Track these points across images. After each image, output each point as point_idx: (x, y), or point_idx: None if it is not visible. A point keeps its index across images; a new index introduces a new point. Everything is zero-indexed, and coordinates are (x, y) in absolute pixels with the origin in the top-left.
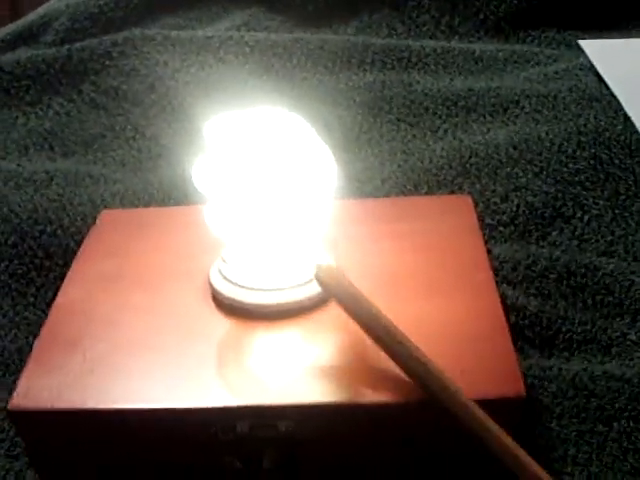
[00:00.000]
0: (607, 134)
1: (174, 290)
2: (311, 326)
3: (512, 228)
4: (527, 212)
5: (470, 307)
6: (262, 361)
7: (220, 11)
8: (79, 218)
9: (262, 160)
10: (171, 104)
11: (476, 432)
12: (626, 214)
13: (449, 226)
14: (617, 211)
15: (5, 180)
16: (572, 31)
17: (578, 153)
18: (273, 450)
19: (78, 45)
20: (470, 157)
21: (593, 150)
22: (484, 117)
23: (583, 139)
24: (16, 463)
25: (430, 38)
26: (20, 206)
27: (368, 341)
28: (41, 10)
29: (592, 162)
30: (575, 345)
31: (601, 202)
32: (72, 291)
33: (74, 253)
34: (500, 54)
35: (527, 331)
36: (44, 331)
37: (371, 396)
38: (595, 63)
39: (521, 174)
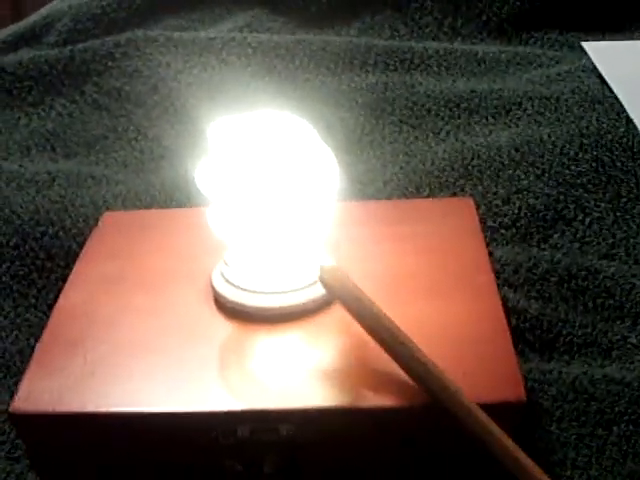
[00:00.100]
0: (609, 136)
1: (176, 292)
2: (313, 329)
3: (514, 230)
4: (529, 214)
5: (471, 310)
6: (264, 364)
7: (223, 12)
8: (81, 219)
9: (265, 163)
10: (174, 105)
11: (477, 435)
12: (627, 217)
13: (451, 228)
14: (619, 214)
15: (7, 181)
16: (575, 33)
17: (580, 155)
18: (274, 454)
19: (81, 46)
20: (472, 159)
21: (595, 153)
22: (486, 119)
23: (585, 141)
24: (17, 465)
25: (432, 40)
26: (22, 207)
27: (370, 344)
28: (43, 11)
29: (594, 165)
30: (575, 348)
31: (603, 205)
32: (74, 293)
33: (76, 255)
34: (503, 56)
35: (528, 334)
36: (46, 333)
37: (373, 400)
38: (598, 65)
39: (523, 176)
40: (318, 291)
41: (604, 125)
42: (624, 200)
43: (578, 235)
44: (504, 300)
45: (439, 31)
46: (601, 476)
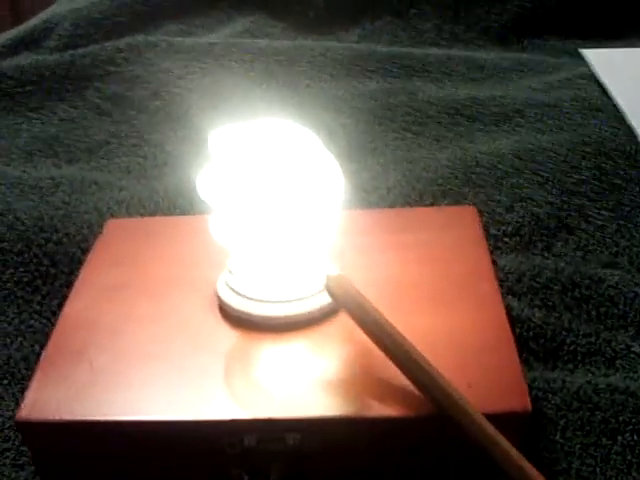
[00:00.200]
0: (610, 144)
1: (180, 300)
2: (318, 338)
3: (517, 239)
4: (532, 223)
5: (475, 319)
6: (269, 373)
7: (223, 18)
8: (85, 226)
9: (268, 171)
10: (175, 111)
11: (482, 444)
12: (630, 225)
13: (454, 237)
14: (621, 222)
15: (10, 187)
16: (574, 40)
17: (582, 164)
18: (280, 463)
19: (81, 51)
20: (474, 167)
21: (597, 161)
22: (488, 126)
23: (587, 149)
24: (22, 473)
25: (433, 46)
26: (25, 213)
27: (375, 353)
28: (44, 15)
29: (596, 173)
30: (579, 357)
31: (605, 213)
32: (79, 301)
33: (79, 261)
34: (503, 62)
35: (531, 343)
36: (51, 341)
37: (378, 409)
38: (597, 72)
39: (526, 184)
40: (323, 300)
41: (605, 133)
42: (627, 208)
43: (581, 243)
44: (507, 309)
45: (439, 37)
46: None
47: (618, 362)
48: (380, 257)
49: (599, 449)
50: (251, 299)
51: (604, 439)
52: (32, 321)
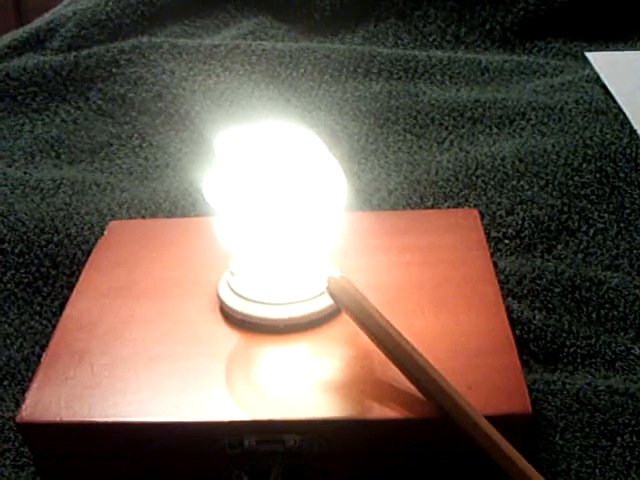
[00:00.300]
0: (613, 147)
1: (182, 302)
2: (319, 340)
3: (518, 241)
4: (533, 225)
5: (476, 321)
6: (270, 375)
7: (227, 20)
8: (86, 227)
9: (272, 174)
10: (178, 113)
11: (483, 445)
12: (631, 228)
13: (456, 240)
14: (622, 225)
15: (12, 188)
16: (578, 42)
17: (584, 166)
18: (280, 464)
19: (85, 52)
20: (476, 169)
21: (599, 163)
22: (490, 128)
23: (589, 152)
24: (22, 474)
25: (436, 48)
26: (27, 214)
27: (376, 355)
28: (48, 16)
29: (598, 175)
30: (579, 359)
31: (606, 216)
32: (80, 303)
33: (81, 262)
34: (506, 65)
35: (532, 345)
36: (52, 343)
37: (379, 411)
38: (601, 75)
39: (527, 187)
40: (324, 302)
41: (608, 136)
42: (628, 211)
43: (582, 246)
44: (508, 311)
45: (443, 40)
46: None
47: (618, 364)
48: (381, 259)
49: (599, 451)
50: (252, 301)
51: (604, 441)
52: (33, 322)
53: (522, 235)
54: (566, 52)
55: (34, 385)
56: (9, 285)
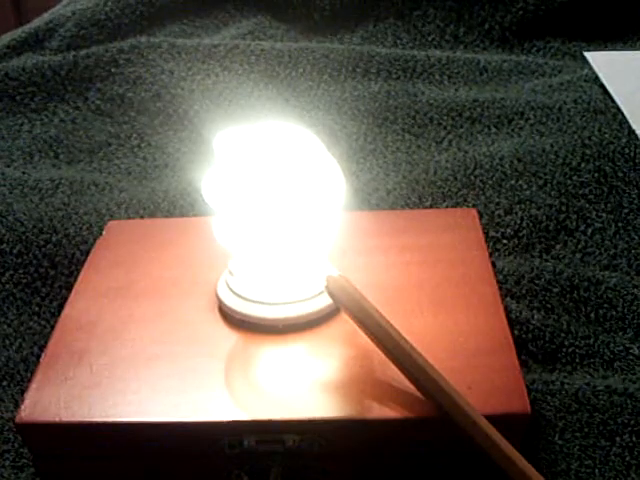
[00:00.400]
0: (611, 147)
1: (181, 302)
2: (318, 340)
3: (516, 241)
4: (531, 225)
5: (475, 321)
6: (269, 375)
7: (226, 19)
8: (84, 227)
9: (271, 174)
10: (177, 112)
11: (483, 445)
12: (629, 227)
13: (454, 239)
14: (620, 224)
15: (10, 188)
16: (577, 42)
17: (582, 166)
18: (280, 464)
19: (84, 52)
20: (474, 169)
21: (597, 163)
22: (489, 128)
23: (587, 152)
24: (21, 474)
25: (435, 48)
26: (25, 214)
27: (376, 355)
28: (47, 16)
29: (596, 175)
30: (578, 359)
31: (605, 215)
32: (79, 303)
33: (79, 262)
34: (505, 65)
35: (530, 345)
36: (51, 343)
37: (379, 411)
38: (600, 75)
39: (525, 187)
40: (323, 302)
41: (606, 135)
42: (626, 211)
43: (580, 246)
44: (506, 311)
45: (441, 39)
46: None
47: (617, 364)
48: (380, 259)
49: (598, 450)
50: (251, 301)
51: (603, 441)
52: (31, 323)
53: (520, 235)
54: (565, 52)
55: (33, 385)
56: (8, 285)
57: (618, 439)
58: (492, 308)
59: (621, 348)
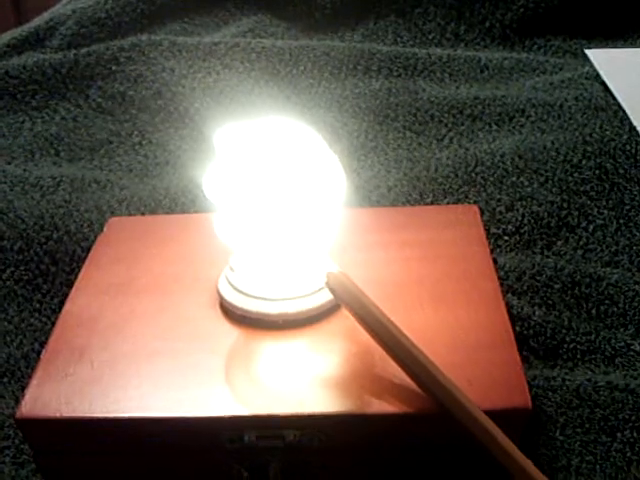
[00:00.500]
0: (612, 144)
1: (182, 298)
2: (318, 336)
3: (517, 237)
4: (532, 221)
5: (476, 316)
6: (269, 370)
7: (226, 17)
8: (85, 224)
9: (272, 170)
10: (177, 110)
11: (482, 440)
12: (631, 224)
13: (456, 236)
14: (622, 221)
15: (11, 185)
16: (578, 40)
17: (583, 163)
18: (280, 459)
19: (85, 50)
20: (476, 166)
21: (598, 160)
22: (490, 125)
23: (589, 149)
24: (22, 471)
25: (436, 46)
26: (26, 212)
27: (376, 350)
28: (47, 15)
29: (597, 172)
30: (579, 355)
31: (606, 212)
32: (80, 299)
33: (80, 259)
34: (506, 62)
35: (531, 341)
36: (52, 338)
37: (378, 406)
38: (601, 72)
39: (526, 183)
40: (324, 298)
41: (607, 132)
42: (627, 207)
43: (581, 242)
44: (508, 307)
45: (442, 37)
46: None
47: (618, 360)
48: (381, 255)
49: (599, 446)
50: (252, 297)
51: (604, 436)
52: (32, 319)
53: (522, 231)
54: (566, 49)
55: (34, 381)
56: (9, 282)
57: (619, 435)
58: (493, 303)
59: (622, 344)
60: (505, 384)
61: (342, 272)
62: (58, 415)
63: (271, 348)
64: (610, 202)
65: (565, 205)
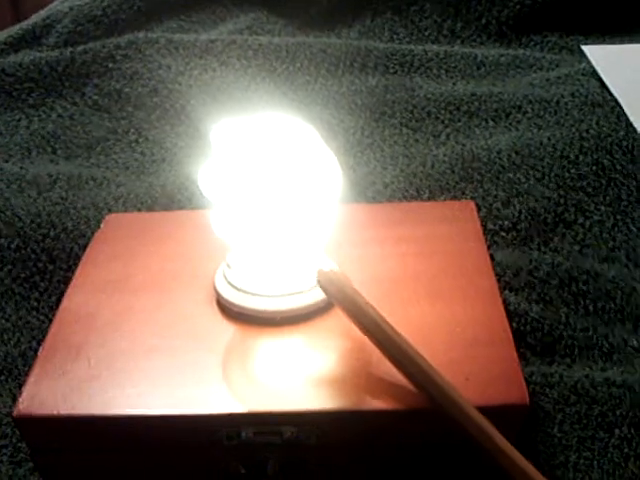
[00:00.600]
0: (609, 140)
1: (179, 295)
2: (315, 332)
3: (514, 234)
4: (529, 217)
5: (473, 313)
6: (266, 367)
7: (223, 15)
8: (82, 222)
9: (268, 166)
10: (174, 107)
11: (475, 437)
12: (628, 220)
13: (452, 231)
14: (619, 217)
15: (8, 183)
16: (574, 36)
17: (580, 159)
18: (277, 456)
19: (81, 48)
20: (472, 162)
21: (595, 156)
22: (486, 122)
23: (585, 145)
24: (19, 470)
25: (432, 42)
26: (23, 209)
27: (371, 347)
28: (44, 12)
29: (594, 168)
30: (576, 351)
31: (603, 208)
32: (77, 296)
33: (77, 257)
34: (502, 59)
35: (529, 337)
36: (49, 336)
37: (373, 403)
38: (597, 68)
39: (523, 179)
40: (320, 294)
41: (604, 128)
42: (624, 203)
43: (578, 238)
44: (505, 303)
45: (439, 34)
46: (602, 479)
47: (615, 356)
48: (377, 251)
49: (596, 442)
50: (249, 293)
51: (601, 432)
52: (30, 317)
53: (518, 227)
54: (562, 46)
55: (31, 379)
56: (6, 280)
57: (617, 431)
58: (490, 299)
59: (620, 340)
60: (502, 380)
61: (332, 269)
62: (55, 413)
63: (268, 345)
64: (607, 198)
65: (562, 201)
